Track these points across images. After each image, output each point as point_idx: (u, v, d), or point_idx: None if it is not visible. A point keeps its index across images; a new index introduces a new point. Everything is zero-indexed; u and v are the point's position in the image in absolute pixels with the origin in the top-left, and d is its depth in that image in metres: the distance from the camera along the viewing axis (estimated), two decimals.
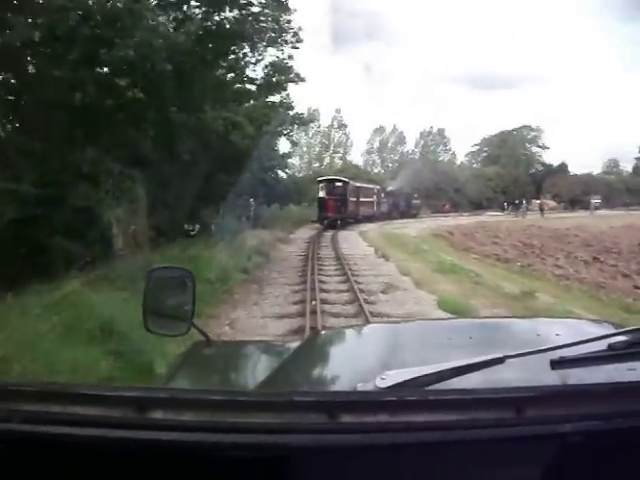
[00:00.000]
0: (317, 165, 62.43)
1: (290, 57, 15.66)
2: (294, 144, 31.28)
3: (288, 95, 26.86)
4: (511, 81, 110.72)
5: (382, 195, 41.54)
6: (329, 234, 27.25)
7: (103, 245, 9.62)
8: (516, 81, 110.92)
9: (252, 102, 24.75)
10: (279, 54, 15.36)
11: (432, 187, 47.87)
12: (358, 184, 35.60)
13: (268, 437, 0.83)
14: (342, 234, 28.02)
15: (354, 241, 23.99)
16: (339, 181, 32.54)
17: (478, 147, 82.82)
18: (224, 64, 14.06)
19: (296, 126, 28.12)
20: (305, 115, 27.54)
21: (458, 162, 75.74)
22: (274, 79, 16.46)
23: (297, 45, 14.71)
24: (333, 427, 0.83)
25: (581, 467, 0.89)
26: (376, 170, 65.14)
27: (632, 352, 1.10)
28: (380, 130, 69.13)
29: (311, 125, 61.57)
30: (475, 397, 0.90)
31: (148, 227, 11.07)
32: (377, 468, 0.86)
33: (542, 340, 1.47)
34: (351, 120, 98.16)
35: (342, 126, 64.94)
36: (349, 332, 2.22)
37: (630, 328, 1.24)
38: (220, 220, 21.97)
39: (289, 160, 54.40)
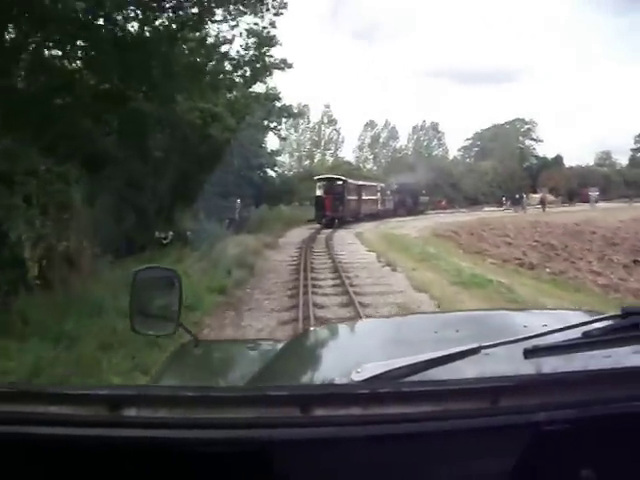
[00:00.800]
0: (308, 163, 60.47)
1: (272, 25, 12.87)
2: (282, 139, 28.64)
3: (274, 88, 24.22)
4: (502, 74, 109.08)
5: (387, 192, 40.58)
6: (323, 236, 24.61)
7: (14, 272, 6.74)
8: (507, 74, 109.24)
9: (234, 93, 21.89)
10: (259, 21, 12.54)
11: (428, 183, 45.39)
12: (359, 182, 34.94)
13: (242, 432, 0.84)
14: (338, 235, 25.58)
15: (352, 244, 21.40)
16: (337, 179, 31.74)
17: (471, 141, 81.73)
18: (191, 35, 11.20)
19: (284, 120, 25.36)
20: (294, 108, 24.64)
21: (451, 157, 74.72)
22: (254, 53, 13.65)
23: (281, 11, 11.83)
24: (306, 421, 0.85)
25: (557, 455, 0.90)
26: (369, 166, 63.15)
27: (607, 339, 1.11)
28: (371, 125, 67.54)
29: (300, 121, 59.38)
30: (449, 388, 0.92)
31: (92, 242, 8.17)
32: (352, 460, 0.87)
33: (527, 331, 1.31)
34: (341, 116, 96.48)
35: (332, 122, 63.41)
36: (339, 328, 2.16)
37: (604, 315, 1.27)
38: (199, 225, 19.28)
39: (278, 158, 52.40)
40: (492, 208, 52.22)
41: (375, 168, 62.15)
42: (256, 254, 16.86)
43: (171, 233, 16.81)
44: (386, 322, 2.17)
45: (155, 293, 1.85)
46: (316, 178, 33.23)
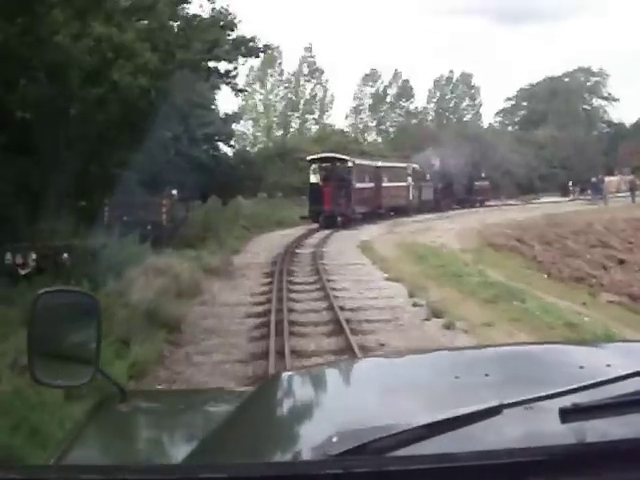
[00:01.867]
0: (280, 133, 57.27)
1: None
2: (240, 92, 24.57)
3: (226, 9, 20.22)
4: (554, 11, 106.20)
5: (425, 176, 39.76)
6: (308, 251, 21.00)
7: None
8: (557, 10, 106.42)
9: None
10: None
11: (462, 161, 43.05)
12: (377, 163, 34.29)
13: None
14: (336, 247, 22.40)
15: (359, 266, 17.95)
16: (340, 160, 30.96)
17: (513, 102, 79.39)
18: None
19: (241, 60, 21.36)
20: (258, 42, 20.73)
21: (485, 124, 72.35)
22: None
23: None
24: None
25: None
26: (370, 138, 59.97)
27: None
28: (373, 77, 64.22)
29: (269, 71, 55.71)
30: (455, 465, 0.96)
31: None
32: None
33: (584, 375, 1.43)
34: (329, 64, 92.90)
35: (315, 72, 59.85)
36: (321, 372, 2.20)
37: None
38: (95, 239, 15.57)
39: (236, 126, 49.13)
40: (554, 198, 50.15)
41: (380, 140, 59.18)
42: (187, 294, 12.99)
43: (34, 256, 12.80)
44: (389, 364, 2.12)
45: (65, 326, 1.91)
46: (310, 158, 32.10)
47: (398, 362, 2.17)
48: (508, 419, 1.16)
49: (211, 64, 21.87)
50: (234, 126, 46.46)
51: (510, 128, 80.00)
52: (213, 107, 40.80)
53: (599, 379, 1.22)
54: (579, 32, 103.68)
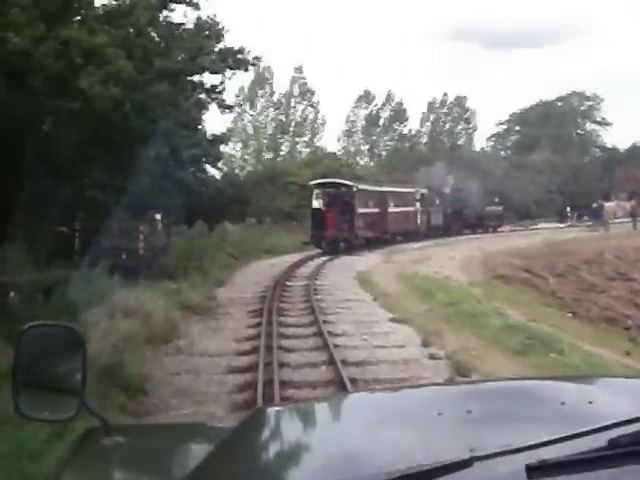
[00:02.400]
0: (270, 156, 55.32)
1: None
2: (227, 109, 22.64)
3: (213, 19, 18.27)
4: (543, 34, 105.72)
5: (434, 200, 39.70)
6: (300, 284, 19.02)
7: None
8: (552, 34, 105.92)
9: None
10: None
11: (473, 186, 42.20)
12: (382, 188, 34.63)
13: None
14: (331, 279, 20.41)
15: (360, 302, 16.08)
16: (343, 185, 31.15)
17: (505, 127, 78.35)
18: None
19: (228, 74, 19.38)
20: (247, 54, 18.77)
21: (477, 148, 70.72)
22: None
23: None
24: None
25: None
26: (362, 162, 58.23)
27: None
28: (366, 98, 62.40)
29: (259, 92, 53.99)
30: None
31: None
32: None
33: (569, 411, 1.52)
34: (320, 85, 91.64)
35: (307, 93, 58.15)
36: (305, 408, 2.23)
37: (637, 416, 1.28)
38: (57, 270, 13.67)
39: (224, 148, 47.23)
40: (551, 224, 48.94)
41: (372, 164, 57.50)
42: (160, 339, 10.93)
43: None
44: (375, 398, 2.25)
45: (49, 359, 1.95)
46: (313, 183, 32.11)
47: (383, 397, 2.22)
48: (478, 473, 1.16)
49: (196, 78, 19.91)
50: (222, 148, 44.69)
51: (503, 153, 78.93)
52: (200, 127, 38.72)
53: (574, 427, 1.24)
54: (572, 56, 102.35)
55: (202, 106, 38.60)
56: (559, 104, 74.43)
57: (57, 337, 2.04)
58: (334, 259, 26.24)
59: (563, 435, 1.22)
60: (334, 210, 29.58)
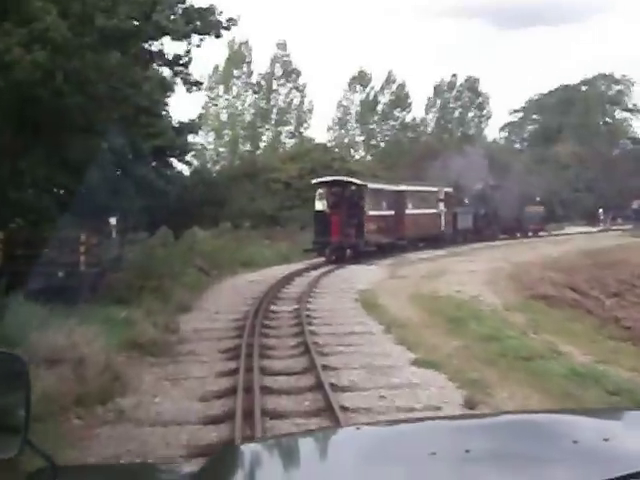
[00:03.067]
0: (248, 148, 53.70)
1: None
2: (194, 86, 20.43)
3: None
4: (560, 12, 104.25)
5: (462, 201, 40.06)
6: (288, 309, 17.01)
7: None
8: (570, 12, 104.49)
9: None
10: None
11: (509, 184, 42.76)
12: (398, 187, 34.07)
13: None
14: (328, 302, 18.30)
15: (364, 332, 14.04)
16: (349, 184, 30.76)
17: (521, 115, 76.96)
18: None
19: (196, 39, 17.21)
20: (216, 15, 16.58)
21: (489, 139, 70.21)
22: None
23: None
24: None
25: None
26: (357, 155, 56.66)
27: None
28: (362, 80, 60.35)
29: (234, 72, 51.98)
30: None
31: None
32: None
33: (582, 451, 1.53)
34: (307, 65, 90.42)
35: (291, 74, 56.20)
36: (288, 443, 2.26)
37: None
38: None
39: (193, 138, 45.20)
40: (580, 228, 48.48)
41: (369, 157, 55.79)
42: (94, 398, 8.83)
43: None
44: (364, 434, 2.17)
45: None
46: (315, 182, 31.62)
47: (372, 433, 2.20)
48: None
49: (155, 46, 17.73)
50: (191, 138, 42.57)
51: (518, 145, 77.68)
52: (164, 113, 36.57)
53: (588, 469, 1.31)
54: (599, 35, 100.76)
55: (166, 87, 36.73)
56: (583, 88, 73.72)
57: None
58: (329, 273, 24.30)
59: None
60: (340, 213, 29.27)
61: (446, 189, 38.07)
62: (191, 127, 38.83)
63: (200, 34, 17.18)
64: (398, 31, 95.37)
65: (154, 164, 37.24)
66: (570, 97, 71.66)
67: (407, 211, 33.56)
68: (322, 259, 28.56)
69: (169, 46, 18.33)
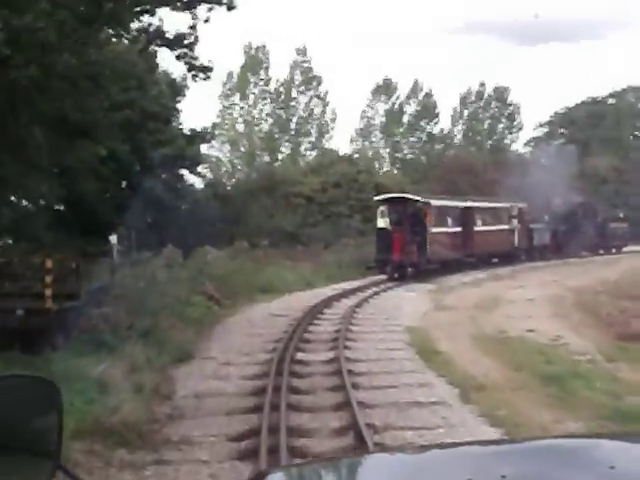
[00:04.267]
0: (266, 159, 50.08)
1: None
2: (203, 72, 16.29)
3: None
4: (576, 29, 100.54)
5: (539, 216, 39.39)
6: (320, 359, 12.81)
7: None
8: (587, 29, 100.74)
9: None
10: None
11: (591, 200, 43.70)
12: (468, 204, 34.02)
13: None
14: (373, 346, 13.98)
15: (434, 400, 10.00)
16: (411, 201, 30.41)
17: (546, 129, 73.61)
18: None
19: (203, 12, 13.20)
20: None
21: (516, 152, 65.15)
22: None
23: None
24: None
25: None
26: (384, 168, 52.96)
27: None
28: (386, 89, 56.49)
29: (250, 78, 48.72)
30: None
31: None
32: None
33: (619, 477, 1.50)
34: (328, 71, 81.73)
35: (312, 81, 52.42)
36: (319, 470, 2.18)
37: None
38: None
39: (208, 149, 43.83)
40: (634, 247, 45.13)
41: (394, 172, 52.02)
42: None
43: None
44: (396, 460, 2.16)
45: (19, 415, 1.92)
46: (377, 199, 31.56)
47: (405, 459, 2.18)
48: None
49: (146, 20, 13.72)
50: (205, 149, 38.80)
51: (543, 160, 74.26)
52: (174, 120, 32.74)
53: None
54: (620, 50, 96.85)
55: (177, 90, 32.72)
56: (611, 101, 70.66)
57: (30, 391, 1.93)
58: (364, 303, 20.35)
59: None
60: (402, 230, 29.00)
61: (520, 205, 37.41)
62: (204, 136, 35.01)
63: (208, 3, 13.08)
64: (420, 41, 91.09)
65: (163, 176, 33.51)
66: (599, 110, 68.81)
67: (476, 228, 33.10)
68: (349, 284, 25.35)
69: (169, 21, 14.32)
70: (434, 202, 30.65)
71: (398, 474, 1.80)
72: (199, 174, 36.12)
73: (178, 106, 33.44)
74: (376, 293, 22.54)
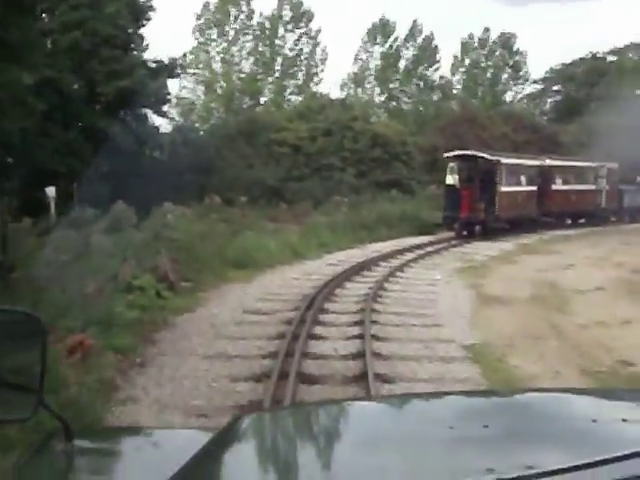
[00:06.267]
0: (246, 103, 44.89)
1: None
2: None
3: None
4: None
5: (635, 178, 38.97)
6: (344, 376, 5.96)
7: None
8: None
9: None
10: None
11: None
12: (546, 162, 33.35)
13: None
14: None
15: None
16: (481, 159, 29.80)
17: (542, 86, 69.46)
18: None
19: None
20: None
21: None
22: None
23: None
24: None
25: None
26: (376, 116, 47.63)
27: None
28: (383, 29, 51.40)
29: (231, 13, 45.60)
30: None
31: None
32: None
33: (599, 431, 1.50)
34: (320, 7, 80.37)
35: (302, 17, 47.40)
36: (298, 414, 2.20)
37: None
38: None
39: (179, 90, 40.22)
40: None
41: (388, 119, 46.65)
42: None
43: None
44: (379, 408, 2.17)
45: (4, 350, 1.92)
46: (446, 156, 30.87)
47: (386, 408, 2.17)
48: None
49: None
50: (176, 89, 32.92)
51: (544, 118, 70.72)
52: (135, 48, 26.34)
53: (606, 449, 1.23)
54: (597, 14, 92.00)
55: (139, 11, 26.24)
56: (612, 58, 66.34)
57: (12, 325, 1.96)
58: (381, 292, 14.04)
59: (595, 460, 1.19)
60: (470, 187, 28.81)
61: (609, 165, 36.58)
62: (172, 68, 28.55)
63: None
64: None
65: (122, 116, 27.24)
66: (597, 68, 64.83)
67: (554, 187, 32.82)
68: (346, 255, 20.19)
69: None
70: (505, 160, 30.18)
71: (378, 422, 1.76)
72: (165, 115, 30.08)
73: (142, 33, 27.12)
74: (396, 275, 16.35)
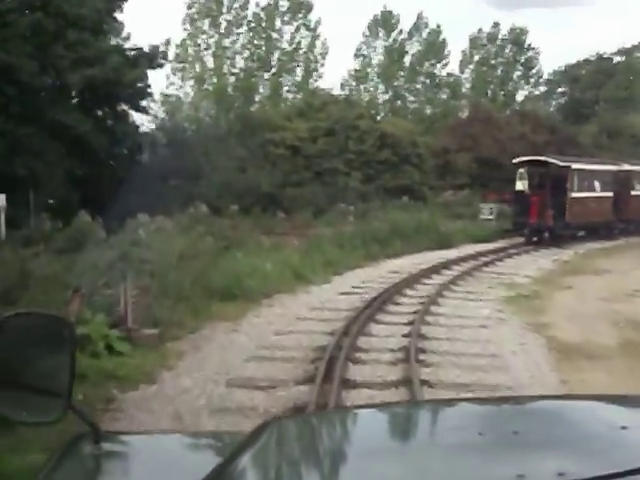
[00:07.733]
0: (240, 100, 42.35)
1: None
2: None
3: None
4: None
5: None
6: None
7: None
8: None
9: None
10: None
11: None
12: (624, 167, 32.87)
13: None
14: None
15: None
16: (551, 164, 29.74)
17: (546, 88, 67.36)
18: None
19: None
20: None
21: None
22: None
23: None
24: None
25: None
26: (379, 116, 44.97)
27: None
28: (385, 23, 49.20)
29: (224, 3, 43.32)
30: None
31: None
32: None
33: (631, 438, 1.46)
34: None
35: (301, 8, 45.18)
36: (328, 420, 2.14)
37: None
38: None
39: (166, 86, 38.40)
40: None
41: (391, 117, 45.11)
42: None
43: None
44: (408, 413, 2.13)
45: (32, 353, 1.90)
46: (516, 161, 30.29)
47: (417, 414, 2.13)
48: None
49: None
50: (162, 85, 29.96)
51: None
52: (109, 33, 22.69)
53: (637, 456, 1.23)
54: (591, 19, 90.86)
55: None
56: (620, 59, 64.84)
57: (43, 329, 1.96)
58: (434, 314, 10.51)
59: (623, 470, 1.18)
60: (540, 193, 29.04)
61: None
62: (152, 57, 24.83)
63: None
64: None
65: (96, 112, 23.56)
66: (604, 69, 63.47)
67: (634, 192, 32.58)
68: (363, 278, 16.84)
69: None
70: (575, 165, 30.03)
71: (409, 428, 1.79)
72: (145, 111, 26.43)
73: (118, 17, 23.46)
74: (426, 311, 12.44)
